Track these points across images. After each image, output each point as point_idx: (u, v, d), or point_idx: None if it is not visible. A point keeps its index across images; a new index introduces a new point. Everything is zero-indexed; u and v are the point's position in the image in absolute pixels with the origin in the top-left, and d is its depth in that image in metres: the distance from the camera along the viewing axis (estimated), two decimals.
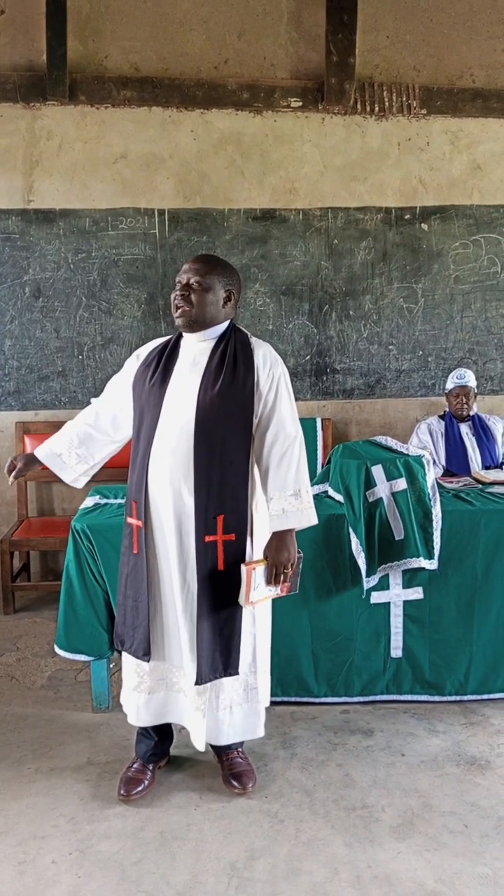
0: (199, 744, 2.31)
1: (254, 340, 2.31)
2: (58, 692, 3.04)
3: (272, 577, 2.24)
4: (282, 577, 2.25)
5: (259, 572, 2.22)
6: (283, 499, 2.23)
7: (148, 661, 2.29)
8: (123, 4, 4.09)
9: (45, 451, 2.43)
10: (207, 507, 2.18)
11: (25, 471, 2.42)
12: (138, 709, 2.35)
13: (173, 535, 2.22)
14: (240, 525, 2.24)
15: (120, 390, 2.40)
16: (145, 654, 2.28)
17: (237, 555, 2.23)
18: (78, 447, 2.42)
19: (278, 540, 2.25)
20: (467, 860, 2.07)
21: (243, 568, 2.19)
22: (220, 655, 2.23)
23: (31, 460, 2.43)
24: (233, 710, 2.33)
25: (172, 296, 2.28)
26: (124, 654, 2.39)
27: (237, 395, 2.20)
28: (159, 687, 2.34)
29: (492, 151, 4.37)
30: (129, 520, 2.31)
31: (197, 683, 2.22)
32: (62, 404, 4.34)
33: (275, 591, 2.28)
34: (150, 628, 2.27)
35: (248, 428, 2.23)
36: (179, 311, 2.25)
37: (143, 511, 2.24)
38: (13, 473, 2.40)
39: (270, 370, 2.26)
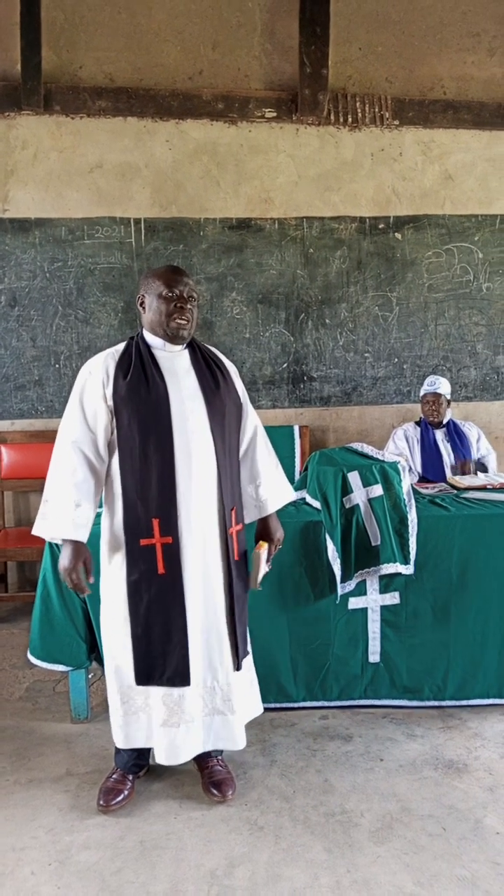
0: (235, 744, 2.36)
1: (202, 344, 2.43)
2: (36, 703, 3.03)
3: (270, 558, 2.44)
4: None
5: (264, 555, 2.40)
6: (274, 476, 2.47)
7: (189, 685, 2.24)
8: (98, 15, 4.11)
9: (82, 529, 2.21)
10: (225, 502, 2.27)
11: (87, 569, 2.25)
12: (151, 742, 2.32)
13: (204, 539, 2.25)
14: (241, 515, 2.39)
15: (99, 416, 2.21)
16: (184, 680, 2.23)
17: (241, 543, 2.37)
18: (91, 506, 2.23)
19: (274, 519, 2.47)
20: (445, 863, 2.09)
21: (259, 553, 2.37)
22: (241, 640, 2.34)
23: (82, 551, 2.23)
24: (243, 713, 2.38)
25: (168, 307, 2.23)
26: (119, 683, 2.29)
27: (231, 394, 2.35)
28: (179, 720, 2.26)
29: (462, 162, 4.44)
30: (147, 541, 2.19)
31: (237, 669, 2.32)
32: (39, 414, 4.33)
33: (263, 574, 2.44)
34: (188, 649, 2.23)
35: (240, 423, 2.40)
36: (182, 325, 2.25)
37: (174, 526, 2.19)
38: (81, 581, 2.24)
39: (232, 368, 2.45)
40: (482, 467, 3.91)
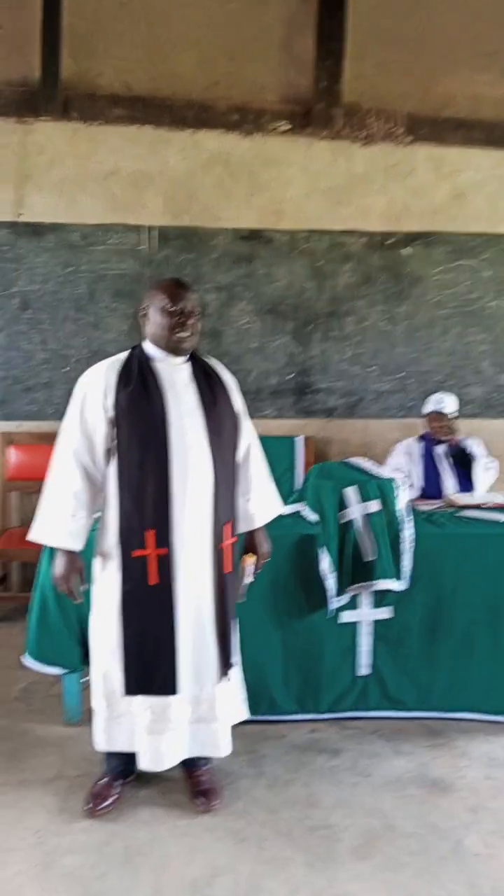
0: (219, 750, 2.38)
1: (206, 356, 2.44)
2: (30, 704, 3.07)
3: (255, 570, 2.49)
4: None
5: (249, 567, 2.47)
6: (265, 491, 2.50)
7: (176, 693, 2.27)
8: (117, 25, 4.16)
9: (78, 539, 2.29)
10: (220, 516, 2.29)
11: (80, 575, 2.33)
12: (137, 749, 2.34)
13: (196, 552, 2.27)
14: (235, 528, 2.41)
15: (98, 428, 2.25)
16: (172, 689, 2.26)
17: (234, 556, 2.39)
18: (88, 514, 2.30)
19: (261, 533, 2.50)
20: (424, 882, 2.11)
21: (244, 565, 2.44)
22: (230, 651, 2.37)
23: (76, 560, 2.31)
24: (228, 719, 2.41)
25: (170, 321, 2.25)
26: (105, 688, 2.33)
27: (230, 409, 2.37)
28: (165, 727, 2.30)
29: (473, 180, 4.46)
30: (140, 552, 2.22)
31: (226, 680, 2.36)
32: (47, 416, 4.37)
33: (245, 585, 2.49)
34: (177, 660, 2.26)
35: (237, 437, 2.41)
36: (185, 338, 2.27)
37: (167, 538, 2.23)
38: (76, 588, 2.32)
39: (232, 381, 2.46)
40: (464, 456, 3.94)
